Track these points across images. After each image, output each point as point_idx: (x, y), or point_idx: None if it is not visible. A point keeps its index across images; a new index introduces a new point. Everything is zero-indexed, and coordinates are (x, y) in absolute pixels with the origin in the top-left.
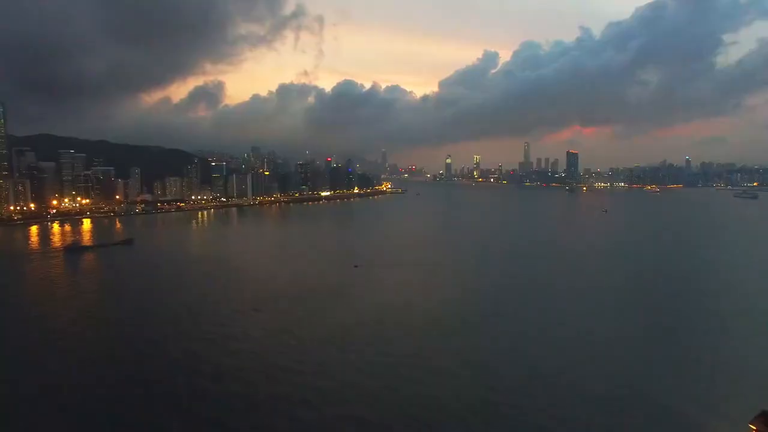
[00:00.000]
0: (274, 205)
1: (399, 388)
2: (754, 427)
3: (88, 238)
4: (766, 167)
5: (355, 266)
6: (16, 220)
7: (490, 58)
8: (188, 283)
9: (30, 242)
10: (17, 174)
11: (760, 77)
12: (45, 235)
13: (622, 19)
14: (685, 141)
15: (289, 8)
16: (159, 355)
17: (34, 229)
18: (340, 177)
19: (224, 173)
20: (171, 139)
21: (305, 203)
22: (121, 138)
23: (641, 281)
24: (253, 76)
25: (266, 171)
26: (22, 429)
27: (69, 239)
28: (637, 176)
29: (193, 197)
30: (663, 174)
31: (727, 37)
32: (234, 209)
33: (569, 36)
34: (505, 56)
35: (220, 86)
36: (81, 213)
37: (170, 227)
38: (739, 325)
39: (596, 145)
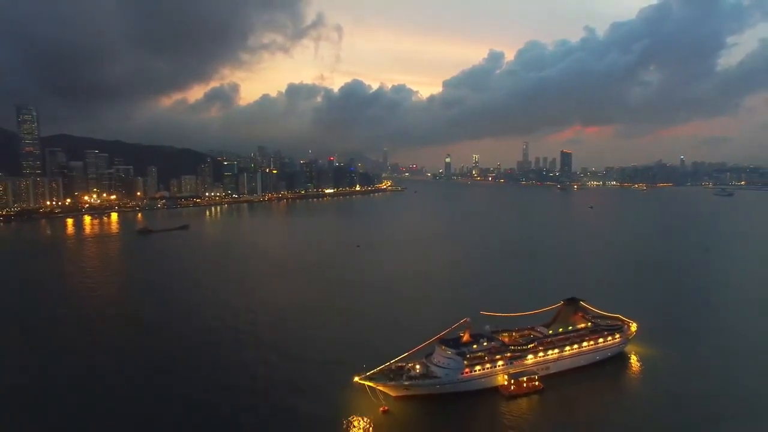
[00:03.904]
0: (281, 202)
1: (390, 308)
2: (562, 302)
3: (149, 225)
4: (755, 167)
5: (357, 246)
6: (57, 213)
7: (495, 57)
8: (236, 254)
9: (93, 230)
10: (49, 172)
11: (761, 78)
12: (93, 224)
13: (626, 20)
14: (684, 141)
15: (309, 17)
16: (225, 302)
17: (69, 221)
18: (343, 175)
19: (235, 172)
20: (182, 139)
21: (310, 200)
22: (135, 138)
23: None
24: (268, 78)
25: (274, 170)
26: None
27: (132, 226)
28: (628, 175)
29: (207, 194)
30: (654, 173)
31: (730, 39)
32: (245, 205)
33: (574, 35)
34: (510, 56)
35: (234, 88)
36: (110, 207)
37: (199, 219)
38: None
39: (597, 144)
